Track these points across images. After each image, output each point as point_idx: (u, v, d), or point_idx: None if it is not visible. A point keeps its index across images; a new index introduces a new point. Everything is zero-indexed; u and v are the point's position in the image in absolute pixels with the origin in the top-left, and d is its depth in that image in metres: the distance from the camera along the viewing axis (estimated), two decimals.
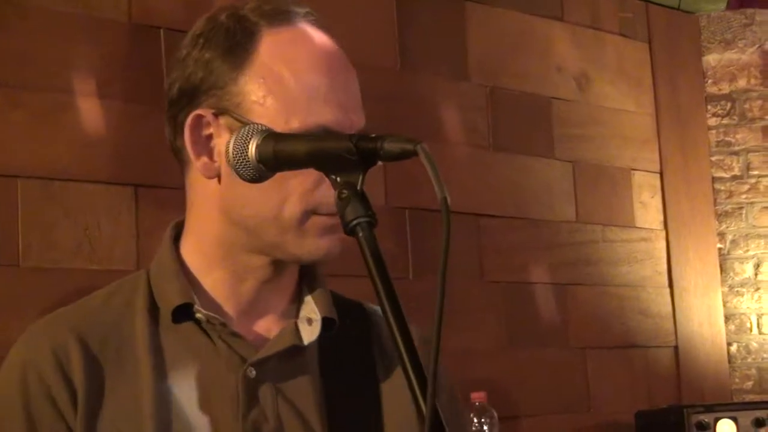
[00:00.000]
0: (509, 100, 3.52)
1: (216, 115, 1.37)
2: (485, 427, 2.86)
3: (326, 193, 1.31)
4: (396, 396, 1.45)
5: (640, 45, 4.03)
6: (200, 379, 1.40)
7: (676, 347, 3.85)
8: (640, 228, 3.84)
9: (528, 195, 3.52)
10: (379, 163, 1.16)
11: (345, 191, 1.14)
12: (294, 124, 1.33)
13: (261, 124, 1.27)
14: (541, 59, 3.67)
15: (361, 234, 1.12)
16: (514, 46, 3.58)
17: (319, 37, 1.41)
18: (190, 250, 1.46)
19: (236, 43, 1.38)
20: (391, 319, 1.08)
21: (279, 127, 1.31)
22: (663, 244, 3.91)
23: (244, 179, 1.25)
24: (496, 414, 2.90)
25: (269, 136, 1.24)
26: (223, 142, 1.34)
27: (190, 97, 1.40)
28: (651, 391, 3.72)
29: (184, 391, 1.39)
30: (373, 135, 1.14)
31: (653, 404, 3.59)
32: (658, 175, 3.95)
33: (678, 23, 4.26)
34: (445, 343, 1.03)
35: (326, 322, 1.44)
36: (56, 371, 1.36)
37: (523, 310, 3.44)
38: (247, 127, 1.25)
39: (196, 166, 1.40)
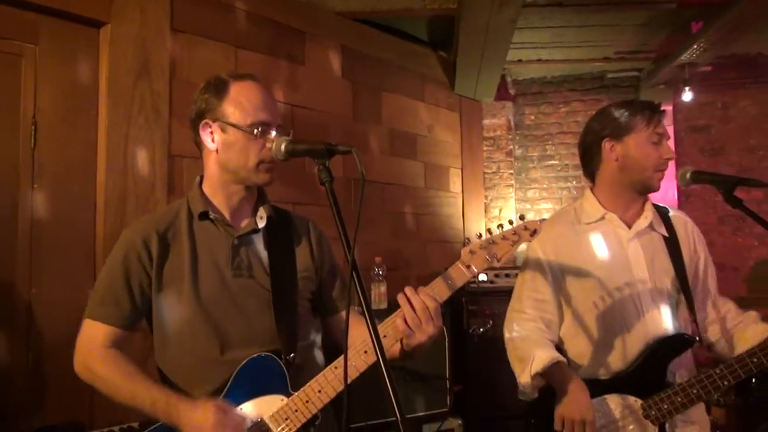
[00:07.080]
0: None
1: (213, 121, 2.32)
2: None
3: (267, 155, 2.26)
4: (302, 254, 2.44)
5: None
6: (212, 248, 2.30)
7: None
8: None
9: None
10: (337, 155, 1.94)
11: (322, 166, 1.90)
12: (248, 120, 2.26)
13: (288, 137, 2.15)
14: None
15: (327, 186, 1.88)
16: None
17: (257, 84, 2.35)
18: (206, 186, 2.38)
19: (220, 89, 2.33)
20: (341, 234, 1.86)
21: (244, 122, 2.27)
22: None
23: (282, 160, 2.15)
24: None
25: (290, 141, 2.09)
26: (218, 134, 2.30)
27: (200, 116, 2.35)
28: None
29: (204, 254, 2.30)
30: (336, 144, 1.92)
31: None
32: None
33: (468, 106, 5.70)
34: None
35: (269, 218, 2.37)
36: (143, 246, 2.28)
37: None
38: (284, 137, 2.16)
39: (208, 147, 2.33)
